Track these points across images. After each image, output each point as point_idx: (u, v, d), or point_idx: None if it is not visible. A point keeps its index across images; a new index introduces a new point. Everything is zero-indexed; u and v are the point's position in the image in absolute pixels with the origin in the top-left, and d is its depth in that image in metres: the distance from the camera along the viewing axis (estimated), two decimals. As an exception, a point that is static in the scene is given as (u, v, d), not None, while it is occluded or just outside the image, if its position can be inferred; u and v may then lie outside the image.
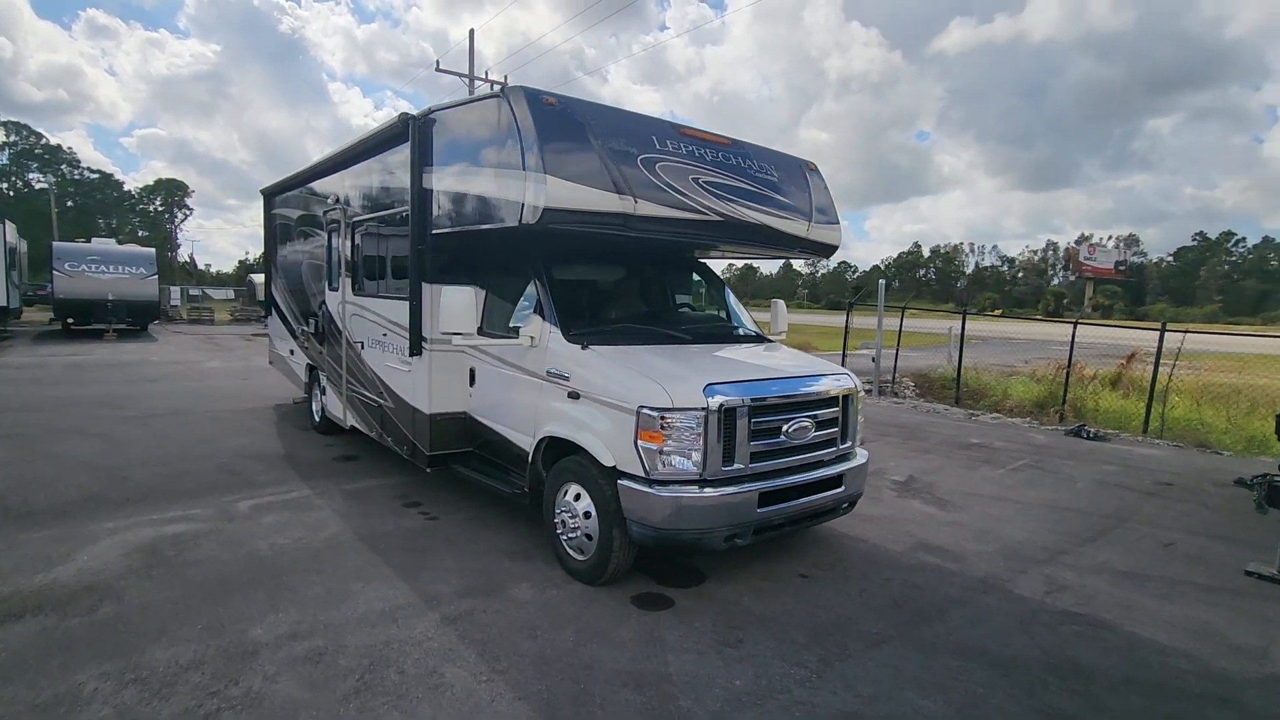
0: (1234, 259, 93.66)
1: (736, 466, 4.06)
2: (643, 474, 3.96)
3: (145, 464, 6.88)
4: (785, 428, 4.29)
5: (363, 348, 6.74)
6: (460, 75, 26.66)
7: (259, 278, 28.06)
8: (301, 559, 4.67)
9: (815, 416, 4.46)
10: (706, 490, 3.95)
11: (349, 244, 6.96)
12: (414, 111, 5.38)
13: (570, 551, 4.47)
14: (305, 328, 8.55)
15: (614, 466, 4.08)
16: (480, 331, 5.36)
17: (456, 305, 4.61)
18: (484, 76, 27.11)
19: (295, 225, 8.85)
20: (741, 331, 5.60)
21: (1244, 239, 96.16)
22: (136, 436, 8.08)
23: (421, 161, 5.33)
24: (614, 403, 4.10)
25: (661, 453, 3.91)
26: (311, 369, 8.65)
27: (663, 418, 3.89)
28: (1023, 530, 5.71)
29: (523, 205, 4.16)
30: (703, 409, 3.94)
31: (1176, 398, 11.32)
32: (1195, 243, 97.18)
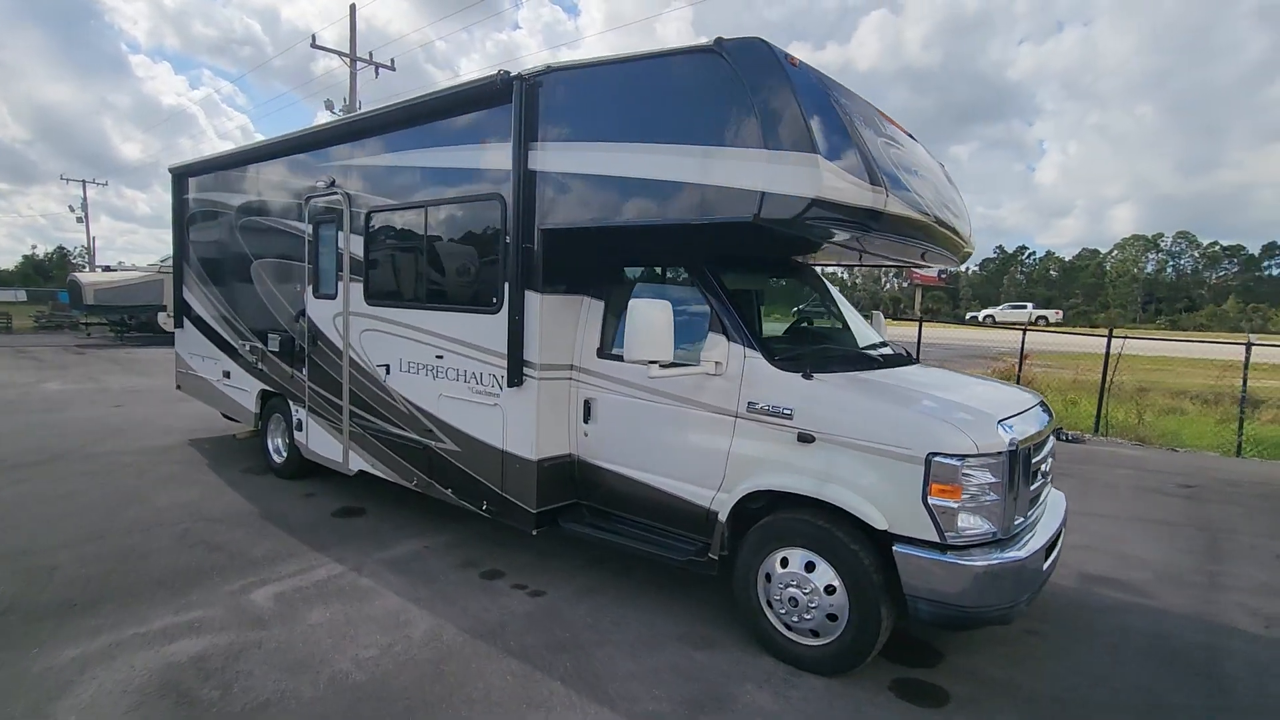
0: (1026, 269, 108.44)
1: (1018, 520, 3.36)
2: (935, 538, 3.13)
3: (67, 544, 4.91)
4: (1043, 468, 3.67)
5: (387, 373, 5.25)
6: (341, 54, 23.86)
7: (89, 278, 23.42)
8: (420, 682, 3.32)
9: (1052, 453, 3.88)
10: (1010, 552, 3.20)
11: (360, 240, 5.43)
12: (516, 71, 4.14)
13: (792, 636, 3.53)
14: (260, 345, 6.71)
15: (886, 530, 3.21)
16: (603, 355, 4.27)
17: (652, 324, 3.49)
18: (368, 58, 24.47)
19: (240, 214, 6.94)
20: (890, 349, 4.90)
21: (1034, 252, 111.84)
22: (20, 500, 5.87)
23: (527, 135, 4.11)
24: (884, 448, 3.24)
25: (961, 510, 3.11)
26: (269, 397, 6.81)
27: (963, 466, 3.09)
28: (1146, 549, 5.52)
29: (763, 196, 3.17)
30: (1002, 452, 3.19)
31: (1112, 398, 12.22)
32: (996, 255, 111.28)
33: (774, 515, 3.59)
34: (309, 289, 6.01)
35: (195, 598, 4.14)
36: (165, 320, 21.72)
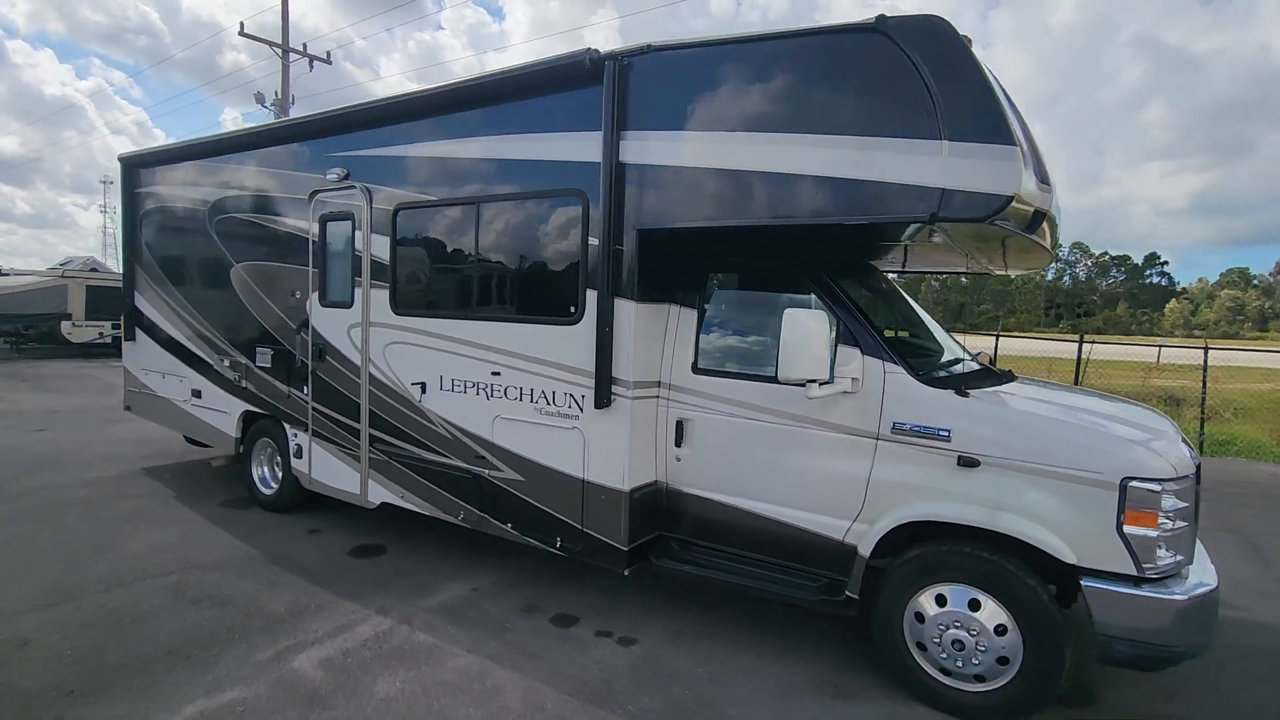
0: (939, 277, 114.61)
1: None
2: (1131, 570, 2.85)
3: (30, 609, 4.02)
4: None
5: (423, 392, 4.61)
6: (272, 44, 22.31)
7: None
8: (549, 766, 2.77)
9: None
10: (1205, 580, 2.96)
11: (384, 241, 4.77)
12: (599, 49, 3.65)
13: (951, 682, 3.18)
14: (244, 360, 5.86)
15: (1075, 564, 2.91)
16: (700, 370, 3.83)
17: (811, 337, 3.07)
18: (302, 49, 22.98)
19: (216, 212, 6.06)
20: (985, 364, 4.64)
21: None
22: (-47, 550, 4.85)
23: (618, 123, 3.62)
24: (1067, 472, 2.94)
25: (1158, 539, 2.84)
26: (254, 419, 5.97)
27: (1161, 492, 2.83)
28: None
29: (944, 193, 2.82)
30: (1190, 474, 2.96)
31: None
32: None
33: (926, 548, 3.23)
34: (313, 297, 5.26)
35: (224, 671, 3.40)
36: (71, 330, 19.57)
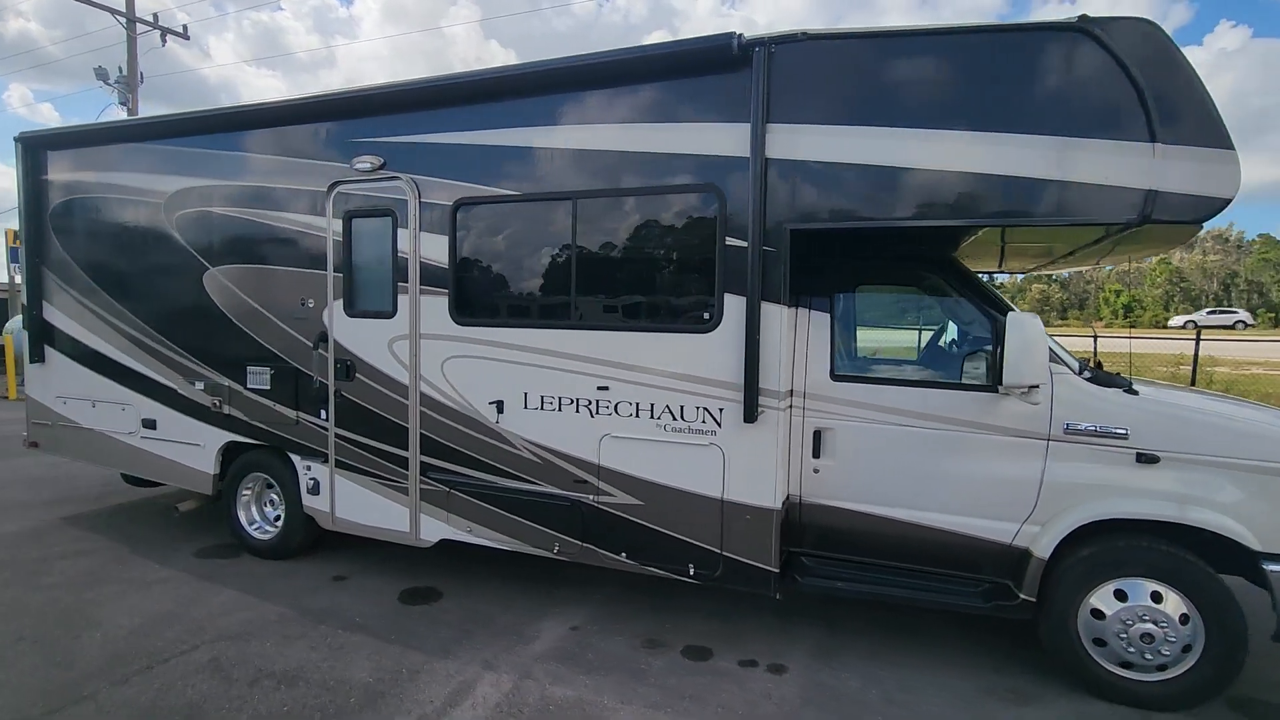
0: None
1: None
2: (1312, 553, 3.04)
3: (38, 717, 3.10)
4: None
5: (500, 411, 4.08)
6: (116, 13, 19.35)
7: None
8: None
9: None
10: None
11: (440, 240, 4.17)
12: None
13: (1132, 675, 3.25)
14: (226, 382, 4.93)
15: (1259, 550, 3.06)
16: (841, 377, 3.69)
17: (1035, 342, 2.99)
18: (153, 21, 20.11)
19: (178, 204, 5.03)
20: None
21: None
22: None
23: (765, 115, 3.37)
24: (1251, 463, 3.09)
25: (1334, 521, 3.06)
26: (239, 451, 5.04)
27: (1332, 474, 3.05)
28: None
29: (1154, 195, 2.86)
30: (1347, 458, 3.21)
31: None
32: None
33: (1099, 545, 3.28)
34: (334, 306, 4.51)
35: (357, 769, 2.79)
36: None
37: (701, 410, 3.64)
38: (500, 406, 4.09)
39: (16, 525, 5.69)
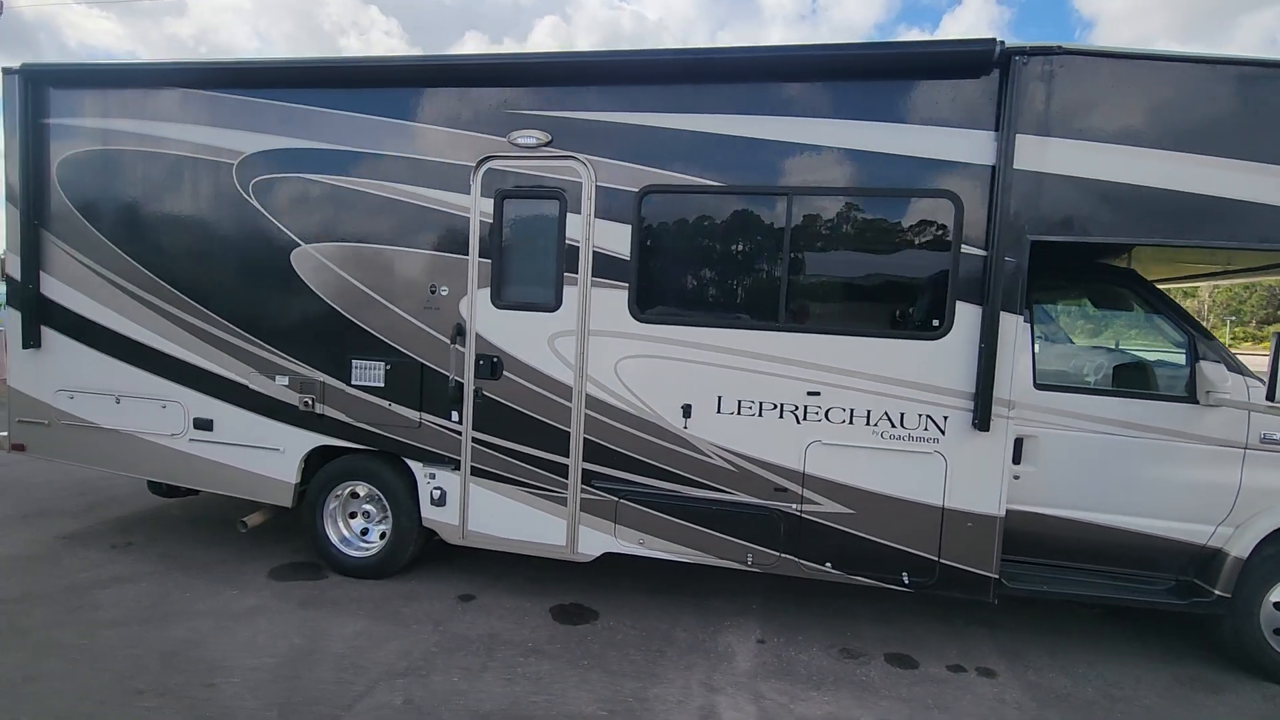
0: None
1: None
2: None
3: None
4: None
5: (686, 416, 3.84)
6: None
7: None
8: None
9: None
10: None
11: (622, 230, 3.85)
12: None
13: (1309, 659, 3.61)
14: (323, 376, 4.29)
15: None
16: (1045, 386, 3.81)
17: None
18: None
19: (256, 169, 4.29)
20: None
21: None
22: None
23: (1012, 124, 3.39)
24: None
25: None
26: (329, 456, 4.40)
27: None
28: None
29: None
30: None
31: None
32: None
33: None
34: (478, 295, 4.03)
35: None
36: None
37: (923, 418, 3.60)
38: (688, 411, 3.84)
39: (9, 548, 4.64)
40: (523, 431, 4.05)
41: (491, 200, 3.99)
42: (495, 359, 4.04)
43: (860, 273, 3.76)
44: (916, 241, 3.63)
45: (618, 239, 3.86)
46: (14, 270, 4.72)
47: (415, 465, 4.24)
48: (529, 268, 4.03)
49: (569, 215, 3.91)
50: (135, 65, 4.63)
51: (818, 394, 3.70)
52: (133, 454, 4.66)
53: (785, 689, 3.38)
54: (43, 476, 6.26)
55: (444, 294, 4.09)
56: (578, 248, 3.91)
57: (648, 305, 3.87)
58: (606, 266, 3.88)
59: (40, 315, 4.71)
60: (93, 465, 4.89)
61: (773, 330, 3.75)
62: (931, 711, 3.27)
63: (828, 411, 3.70)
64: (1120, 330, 4.22)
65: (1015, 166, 3.39)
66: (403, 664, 3.42)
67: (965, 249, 3.49)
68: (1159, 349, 3.95)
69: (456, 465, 4.16)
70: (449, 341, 4.08)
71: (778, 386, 3.74)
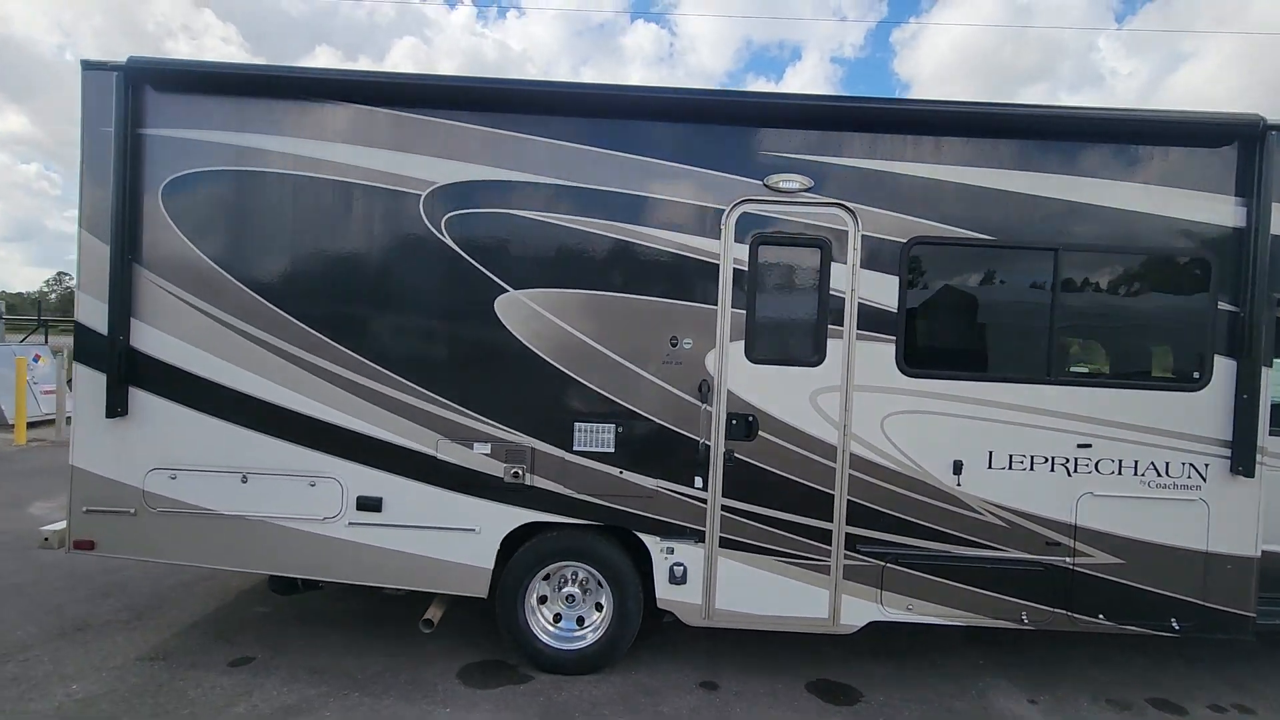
0: None
1: None
2: None
3: None
4: None
5: (957, 473, 3.73)
6: None
7: None
8: None
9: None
10: None
11: (888, 281, 3.70)
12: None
13: None
14: (532, 442, 3.72)
15: None
16: (1276, 430, 4.10)
17: None
18: None
19: (452, 202, 3.70)
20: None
21: None
22: None
23: (1267, 192, 3.67)
24: None
25: None
26: (531, 535, 3.80)
27: None
28: None
29: None
30: None
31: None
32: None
33: None
34: (729, 349, 3.70)
35: None
36: None
37: (1186, 466, 3.74)
38: (958, 467, 3.72)
39: (93, 684, 3.53)
40: (780, 496, 3.73)
41: (746, 246, 3.69)
42: (750, 418, 3.70)
43: (1124, 326, 3.86)
44: (1175, 298, 3.79)
45: (884, 290, 3.70)
46: (92, 317, 3.70)
47: (649, 539, 3.76)
48: (788, 319, 3.76)
49: (833, 265, 3.70)
50: (295, 71, 3.79)
51: (1089, 446, 3.73)
52: (264, 546, 3.75)
53: (1109, 752, 3.31)
54: (29, 574, 4.92)
55: (687, 347, 3.70)
56: (842, 299, 3.70)
57: (915, 358, 3.73)
58: (872, 319, 3.71)
59: (129, 374, 3.71)
60: (198, 563, 3.89)
61: (1042, 383, 3.74)
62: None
63: (1097, 463, 3.73)
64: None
65: (1273, 232, 3.65)
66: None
67: (1221, 306, 3.70)
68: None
69: (700, 537, 3.74)
70: (699, 401, 3.69)
71: (1048, 439, 3.73)
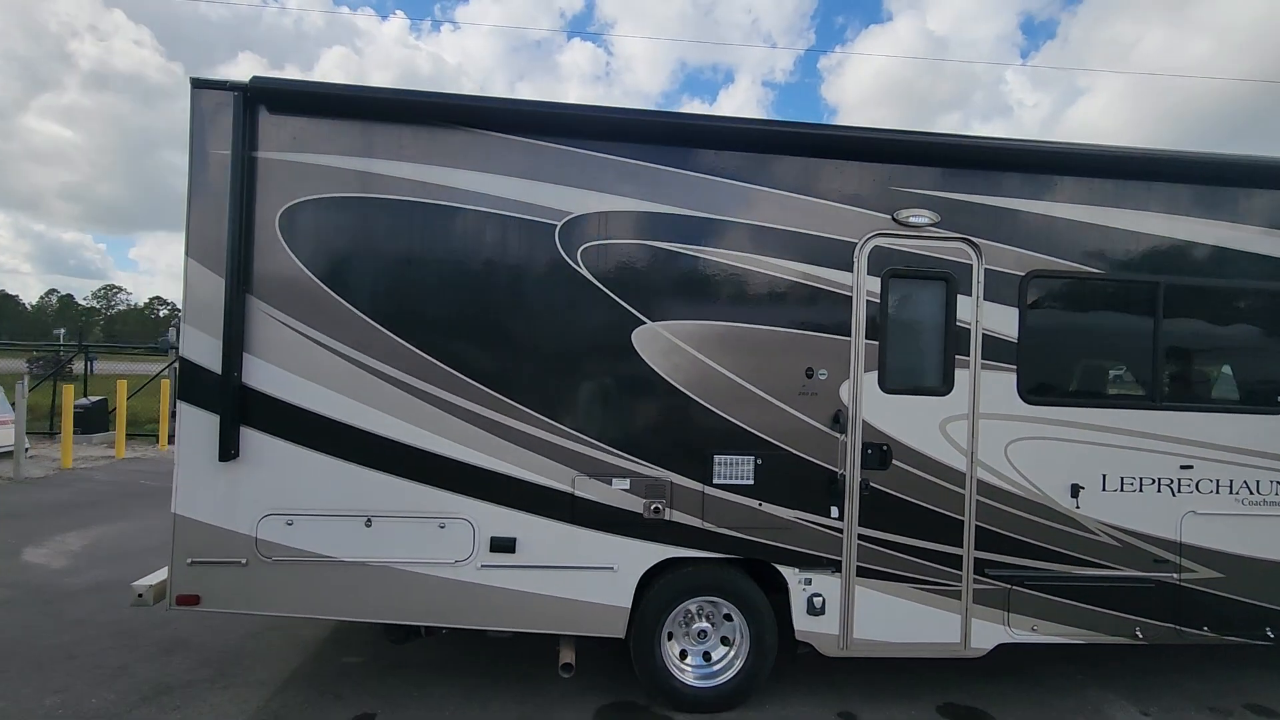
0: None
1: None
2: None
3: None
4: None
5: (1074, 495, 3.88)
6: None
7: None
8: None
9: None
10: None
11: (1008, 312, 3.85)
12: None
13: None
14: (670, 475, 3.67)
15: None
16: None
17: None
18: None
19: (586, 233, 3.64)
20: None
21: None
22: None
23: (1328, 231, 4.04)
24: None
25: None
26: (666, 570, 3.73)
27: None
28: None
29: None
30: None
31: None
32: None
33: None
34: (864, 379, 3.76)
35: None
36: None
37: (1275, 484, 4.02)
38: (1075, 490, 3.89)
39: (233, 712, 3.24)
40: (913, 523, 3.79)
41: (879, 279, 3.78)
42: (885, 447, 3.76)
43: (1220, 354, 4.13)
44: (1265, 329, 4.09)
45: (1005, 321, 3.85)
46: (202, 353, 3.43)
47: (788, 571, 3.75)
48: (918, 350, 3.85)
49: (959, 297, 3.82)
50: (425, 96, 3.62)
51: (1190, 467, 3.96)
52: (389, 593, 3.54)
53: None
54: (67, 634, 4.48)
55: (823, 378, 3.74)
56: (967, 330, 3.83)
57: (1034, 386, 3.89)
58: (994, 348, 3.85)
59: (240, 414, 3.46)
60: (313, 614, 3.64)
61: (1149, 409, 3.96)
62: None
63: (1198, 483, 3.97)
64: None
65: (1332, 262, 4.00)
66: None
67: (1300, 336, 4.02)
68: None
69: (837, 567, 3.76)
70: (835, 431, 3.73)
71: (1154, 462, 3.94)
